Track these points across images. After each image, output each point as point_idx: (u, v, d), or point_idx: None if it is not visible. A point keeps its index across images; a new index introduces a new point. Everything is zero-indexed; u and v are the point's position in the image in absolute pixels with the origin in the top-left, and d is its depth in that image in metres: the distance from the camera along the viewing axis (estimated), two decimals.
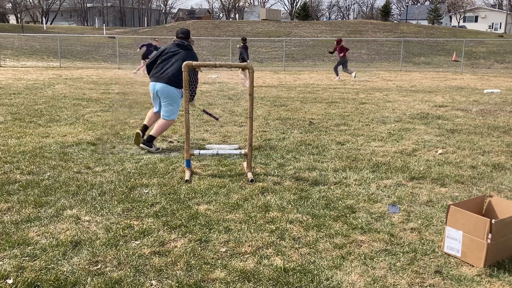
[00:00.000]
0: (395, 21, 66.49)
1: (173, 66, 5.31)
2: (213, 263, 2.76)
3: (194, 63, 4.34)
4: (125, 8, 78.18)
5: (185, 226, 3.29)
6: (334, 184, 4.34)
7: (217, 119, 5.80)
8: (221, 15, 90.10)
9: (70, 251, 2.88)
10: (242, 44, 15.46)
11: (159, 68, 5.36)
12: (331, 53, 17.80)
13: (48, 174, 4.48)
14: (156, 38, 19.62)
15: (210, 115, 5.76)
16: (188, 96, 4.45)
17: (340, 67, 17.44)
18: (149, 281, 2.55)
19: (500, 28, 66.76)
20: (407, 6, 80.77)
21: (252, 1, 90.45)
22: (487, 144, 6.11)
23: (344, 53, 17.12)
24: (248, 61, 15.54)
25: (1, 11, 56.71)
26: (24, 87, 12.49)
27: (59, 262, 2.74)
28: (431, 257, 2.90)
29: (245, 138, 6.31)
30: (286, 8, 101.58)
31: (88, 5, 76.33)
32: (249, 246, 3.00)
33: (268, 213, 3.57)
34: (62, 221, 3.34)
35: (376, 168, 4.90)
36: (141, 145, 5.48)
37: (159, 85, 5.33)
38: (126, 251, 2.89)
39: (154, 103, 5.56)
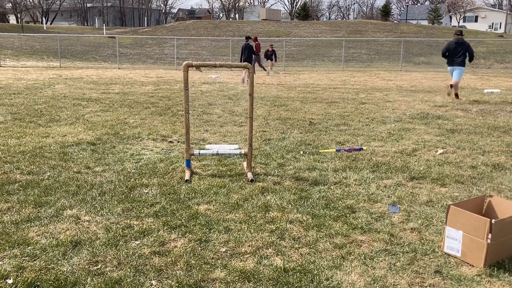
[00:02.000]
0: (395, 21, 66.49)
1: (459, 55, 10.48)
2: (213, 263, 2.76)
3: (194, 63, 4.34)
4: (125, 8, 78.15)
5: (185, 226, 3.29)
6: (334, 184, 4.34)
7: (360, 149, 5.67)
8: (221, 15, 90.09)
9: (70, 251, 2.88)
10: (245, 43, 16.33)
11: (452, 57, 10.60)
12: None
13: (48, 174, 4.48)
14: (272, 44, 22.14)
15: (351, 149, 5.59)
16: (188, 96, 4.45)
17: (260, 62, 19.82)
18: (149, 281, 2.55)
19: (500, 28, 66.76)
20: (407, 6, 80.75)
21: (252, 1, 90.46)
22: (487, 144, 6.11)
23: (258, 50, 19.59)
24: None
25: (1, 11, 56.71)
26: (24, 87, 12.49)
27: (59, 262, 2.74)
28: (431, 257, 2.90)
29: (245, 138, 6.31)
30: (286, 8, 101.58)
31: (88, 5, 76.31)
32: (249, 246, 3.00)
33: (268, 213, 3.57)
34: (62, 221, 3.34)
35: (376, 168, 4.90)
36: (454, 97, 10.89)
37: (455, 67, 10.63)
38: (126, 251, 2.89)
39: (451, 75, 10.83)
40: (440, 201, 3.91)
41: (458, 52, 10.48)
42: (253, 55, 17.00)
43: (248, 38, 16.85)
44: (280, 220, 3.44)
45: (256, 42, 19.33)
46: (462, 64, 10.59)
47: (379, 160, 5.21)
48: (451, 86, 10.73)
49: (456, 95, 10.92)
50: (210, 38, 37.50)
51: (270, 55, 21.41)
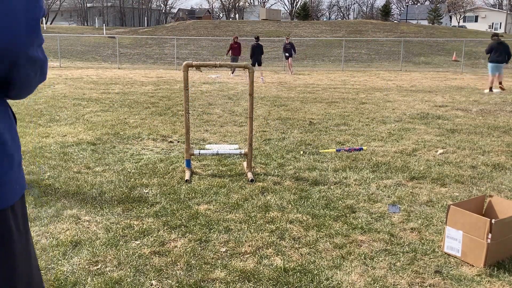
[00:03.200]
0: (395, 21, 66.45)
1: (502, 54, 12.58)
2: (213, 263, 2.76)
3: (194, 63, 4.34)
4: (125, 8, 78.17)
5: (185, 226, 3.29)
6: (334, 184, 4.34)
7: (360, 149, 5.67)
8: (221, 15, 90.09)
9: (70, 251, 2.88)
10: (256, 42, 16.97)
11: (497, 55, 12.60)
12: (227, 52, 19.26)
13: (48, 174, 4.48)
14: (288, 36, 20.82)
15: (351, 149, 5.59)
16: (188, 96, 4.45)
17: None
18: (149, 281, 2.55)
19: (500, 28, 66.75)
20: (407, 6, 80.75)
21: (252, 1, 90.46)
22: (487, 144, 6.11)
23: (238, 53, 18.84)
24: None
25: None
26: None
27: (59, 262, 2.74)
28: (431, 257, 2.90)
29: (245, 138, 6.31)
30: (286, 8, 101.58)
31: (88, 5, 76.34)
32: (249, 246, 3.00)
33: (268, 213, 3.57)
34: (62, 221, 3.34)
35: (376, 168, 4.90)
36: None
37: (497, 64, 12.64)
38: (126, 251, 2.89)
39: (497, 71, 12.72)
40: (440, 201, 3.91)
41: (501, 51, 12.74)
42: (261, 55, 17.07)
43: (257, 38, 17.30)
44: (280, 220, 3.44)
45: (236, 45, 18.61)
46: (503, 61, 12.88)
47: (379, 160, 5.21)
48: (500, 83, 12.87)
49: (502, 88, 13.03)
50: (210, 38, 37.49)
51: (289, 49, 19.66)
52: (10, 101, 9.43)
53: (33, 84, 1.11)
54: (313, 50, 33.99)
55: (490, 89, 12.86)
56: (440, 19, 64.95)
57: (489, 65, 12.91)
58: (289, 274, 2.65)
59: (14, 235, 1.13)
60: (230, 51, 18.81)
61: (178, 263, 2.75)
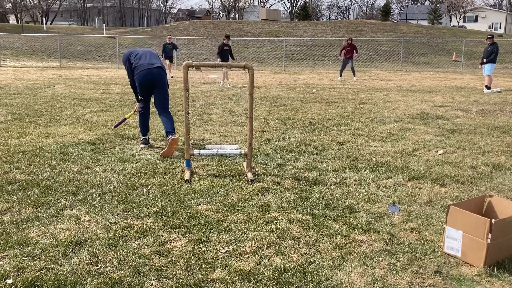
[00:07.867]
0: (395, 21, 66.42)
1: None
2: (213, 263, 2.76)
3: (194, 63, 4.34)
4: (125, 8, 78.15)
5: (185, 226, 3.29)
6: (334, 184, 4.34)
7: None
8: (221, 15, 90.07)
9: (70, 251, 2.88)
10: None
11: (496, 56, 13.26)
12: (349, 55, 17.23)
13: (48, 174, 4.48)
14: (170, 36, 18.82)
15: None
16: (188, 97, 4.45)
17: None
18: (149, 281, 2.55)
19: (500, 28, 66.76)
20: (407, 6, 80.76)
21: (252, 1, 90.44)
22: (487, 144, 6.11)
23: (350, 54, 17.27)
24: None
25: (1, 11, 56.69)
26: (24, 87, 12.48)
27: (59, 262, 2.74)
28: (431, 257, 2.90)
29: (245, 138, 6.30)
30: (286, 8, 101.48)
31: (88, 5, 76.32)
32: (249, 246, 3.00)
33: (268, 213, 3.57)
34: (62, 221, 3.34)
35: (376, 168, 4.90)
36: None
37: None
38: (126, 251, 2.89)
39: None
40: (440, 201, 3.91)
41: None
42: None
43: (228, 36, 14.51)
44: (280, 220, 3.44)
45: (349, 47, 16.67)
46: None
47: (379, 160, 5.21)
48: None
49: None
50: (210, 38, 37.48)
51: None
52: (10, 101, 9.43)
53: None
54: (313, 50, 33.98)
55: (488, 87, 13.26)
56: (440, 19, 64.92)
57: (493, 65, 13.40)
58: (289, 274, 2.65)
59: None
60: (343, 53, 16.90)
61: (178, 263, 2.75)
